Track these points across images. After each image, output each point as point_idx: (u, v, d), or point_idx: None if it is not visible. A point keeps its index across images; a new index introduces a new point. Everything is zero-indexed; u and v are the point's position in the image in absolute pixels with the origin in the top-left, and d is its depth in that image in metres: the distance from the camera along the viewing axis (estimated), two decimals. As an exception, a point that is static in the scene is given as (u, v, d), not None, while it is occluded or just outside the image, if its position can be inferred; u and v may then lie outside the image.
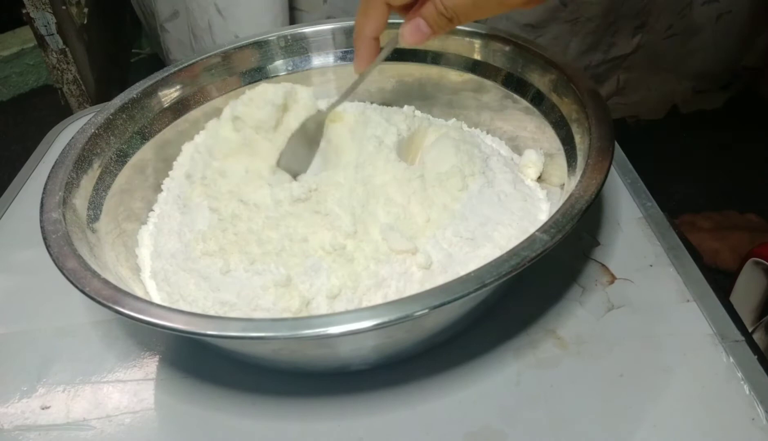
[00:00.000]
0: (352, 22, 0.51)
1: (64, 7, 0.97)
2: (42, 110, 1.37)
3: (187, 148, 0.47)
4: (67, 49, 0.98)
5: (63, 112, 0.95)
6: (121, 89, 0.47)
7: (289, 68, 0.52)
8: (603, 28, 1.08)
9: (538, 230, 0.31)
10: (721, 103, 1.21)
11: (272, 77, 0.51)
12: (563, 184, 0.41)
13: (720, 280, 0.42)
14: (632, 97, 1.24)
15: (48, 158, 0.58)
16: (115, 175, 0.43)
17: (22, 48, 1.43)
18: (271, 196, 0.37)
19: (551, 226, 0.31)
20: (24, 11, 0.93)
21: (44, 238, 0.34)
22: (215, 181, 0.39)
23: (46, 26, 0.95)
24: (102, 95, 1.01)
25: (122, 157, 0.44)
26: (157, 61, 1.36)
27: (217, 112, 0.49)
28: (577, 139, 0.39)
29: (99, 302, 0.31)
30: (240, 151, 0.40)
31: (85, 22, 1.02)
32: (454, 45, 0.49)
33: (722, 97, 1.22)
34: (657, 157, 1.09)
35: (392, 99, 0.51)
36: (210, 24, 0.86)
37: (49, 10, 0.93)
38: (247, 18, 0.84)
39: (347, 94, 0.42)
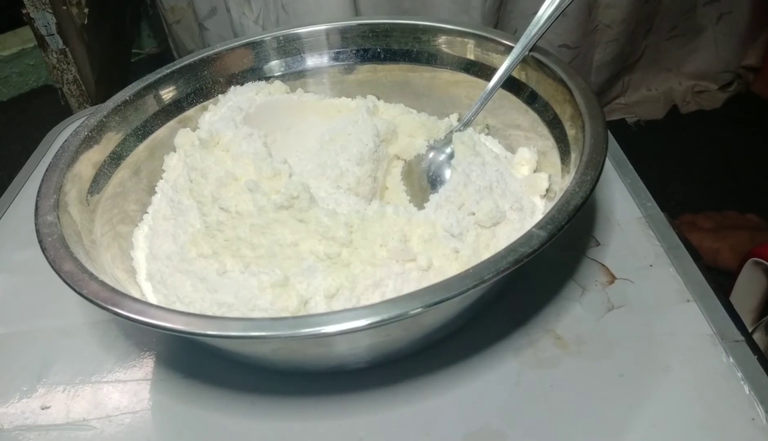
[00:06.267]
0: (345, 23, 0.51)
1: (64, 7, 0.97)
2: (42, 110, 1.37)
3: (180, 146, 0.47)
4: (67, 49, 0.98)
5: (63, 112, 0.95)
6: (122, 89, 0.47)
7: (283, 69, 0.52)
8: (625, 37, 1.09)
9: (534, 227, 0.31)
10: (721, 103, 1.21)
11: (267, 78, 0.51)
12: (547, 190, 0.41)
13: (720, 280, 0.42)
14: (632, 97, 1.24)
15: (48, 158, 0.58)
16: (109, 178, 0.43)
17: (22, 48, 1.43)
18: (253, 202, 0.37)
19: (548, 222, 0.31)
20: (24, 11, 0.93)
21: (40, 242, 0.34)
22: (198, 182, 0.39)
23: (46, 26, 0.95)
24: (102, 95, 1.01)
25: (116, 159, 0.44)
26: (157, 61, 1.37)
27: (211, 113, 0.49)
28: (571, 136, 0.39)
29: (98, 305, 0.31)
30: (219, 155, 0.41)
31: (86, 22, 1.02)
32: (447, 45, 0.49)
33: (722, 97, 1.22)
34: (657, 157, 1.10)
35: (385, 98, 0.51)
36: (278, 19, 0.89)
37: (50, 10, 0.93)
38: (307, 13, 0.87)
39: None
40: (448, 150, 0.46)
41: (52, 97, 1.04)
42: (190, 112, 0.49)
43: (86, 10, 1.03)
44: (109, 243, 0.40)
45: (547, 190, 0.41)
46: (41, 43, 0.97)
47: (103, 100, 0.46)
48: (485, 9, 0.96)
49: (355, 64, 0.52)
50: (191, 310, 0.36)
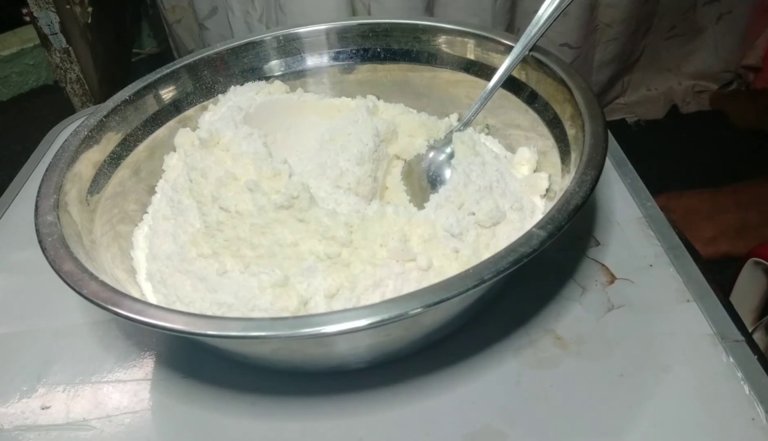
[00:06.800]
0: (345, 23, 0.51)
1: (68, 6, 0.97)
2: (42, 110, 1.37)
3: (180, 146, 0.47)
4: (70, 48, 0.98)
5: (63, 112, 0.95)
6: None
7: (283, 69, 0.52)
8: (625, 36, 1.09)
9: (534, 226, 0.31)
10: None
11: (267, 78, 0.51)
12: (547, 190, 0.41)
13: (720, 280, 0.42)
14: (632, 97, 1.24)
15: (48, 158, 0.58)
16: (109, 177, 0.43)
17: (22, 48, 1.43)
18: (253, 202, 0.37)
19: (548, 221, 0.31)
20: (26, 11, 0.93)
21: (40, 242, 0.34)
22: (198, 182, 0.39)
23: (49, 25, 0.95)
24: (105, 94, 1.02)
25: (116, 159, 0.44)
26: (157, 61, 1.37)
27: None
28: (571, 136, 0.39)
29: (98, 305, 0.31)
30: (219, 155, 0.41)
31: (89, 21, 1.02)
32: (447, 44, 0.49)
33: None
34: (657, 157, 1.10)
35: (385, 97, 0.51)
36: (277, 20, 0.89)
37: (53, 9, 0.93)
38: (302, 13, 0.87)
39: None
40: (448, 150, 0.46)
41: (52, 97, 1.05)
42: (190, 112, 0.49)
43: (89, 9, 1.03)
44: (109, 243, 0.40)
45: (547, 190, 0.41)
46: (44, 42, 0.97)
47: (107, 99, 0.46)
48: (495, 9, 0.96)
49: (355, 64, 0.52)
50: (191, 310, 0.36)
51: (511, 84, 0.45)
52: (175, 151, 0.48)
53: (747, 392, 0.32)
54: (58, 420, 0.36)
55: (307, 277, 0.35)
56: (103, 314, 0.41)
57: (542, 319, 0.38)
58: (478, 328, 0.37)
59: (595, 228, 0.43)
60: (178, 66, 0.49)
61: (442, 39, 0.49)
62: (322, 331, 0.28)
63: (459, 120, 0.49)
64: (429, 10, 0.98)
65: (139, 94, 0.47)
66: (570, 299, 0.39)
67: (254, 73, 0.51)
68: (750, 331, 0.38)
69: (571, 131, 0.39)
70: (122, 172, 0.44)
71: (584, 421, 0.32)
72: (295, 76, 0.52)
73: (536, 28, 0.42)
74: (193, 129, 0.48)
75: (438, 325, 0.35)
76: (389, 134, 0.47)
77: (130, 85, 0.47)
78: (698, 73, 1.23)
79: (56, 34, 0.95)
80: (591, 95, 0.39)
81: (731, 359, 0.34)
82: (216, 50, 0.51)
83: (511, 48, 0.44)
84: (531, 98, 0.44)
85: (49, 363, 0.40)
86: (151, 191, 0.46)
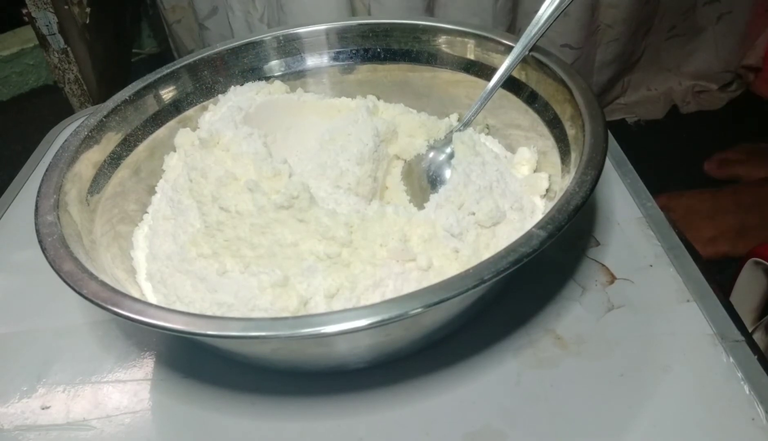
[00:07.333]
0: (345, 23, 0.51)
1: (66, 7, 0.97)
2: (42, 110, 1.37)
3: (180, 146, 0.47)
4: (68, 49, 0.98)
5: (63, 112, 0.95)
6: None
7: (283, 69, 0.52)
8: (626, 37, 1.09)
9: (534, 226, 0.31)
10: (721, 104, 1.21)
11: (267, 78, 0.51)
12: (547, 190, 0.41)
13: (720, 280, 0.42)
14: (632, 97, 1.24)
15: (48, 158, 0.58)
16: (109, 177, 0.43)
17: (22, 48, 1.43)
18: (253, 202, 0.37)
19: (548, 221, 0.31)
20: (25, 11, 0.93)
21: (40, 242, 0.34)
22: (198, 182, 0.39)
23: (47, 26, 0.95)
24: (104, 95, 1.02)
25: (116, 159, 0.44)
26: (157, 61, 1.37)
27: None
28: (571, 136, 0.39)
29: (98, 305, 0.31)
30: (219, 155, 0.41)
31: (87, 21, 1.02)
32: (447, 45, 0.49)
33: (722, 97, 1.22)
34: (657, 157, 1.10)
35: (385, 98, 0.52)
36: (279, 20, 0.89)
37: (51, 9, 0.93)
38: (302, 13, 0.87)
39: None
40: (448, 150, 0.46)
41: (52, 97, 1.05)
42: (190, 112, 0.49)
43: (88, 10, 1.03)
44: (109, 243, 0.40)
45: (547, 190, 0.41)
46: (43, 42, 0.97)
47: (105, 100, 0.46)
48: (496, 10, 0.96)
49: (355, 64, 0.52)
50: (191, 310, 0.36)
51: (511, 84, 0.45)
52: (175, 151, 0.48)
53: (747, 392, 0.32)
54: (58, 420, 0.36)
55: (307, 277, 0.35)
56: (103, 314, 0.41)
57: (542, 319, 0.38)
58: (478, 328, 0.37)
59: (595, 228, 0.43)
60: (178, 66, 0.49)
61: (442, 39, 0.49)
62: (322, 331, 0.28)
63: (459, 120, 0.49)
64: (429, 10, 0.98)
65: (139, 94, 0.47)
66: (570, 299, 0.39)
67: (254, 73, 0.51)
68: (750, 331, 0.38)
69: (571, 131, 0.39)
70: (122, 172, 0.44)
71: (584, 421, 0.32)
72: (295, 76, 0.52)
73: (536, 29, 0.42)
74: (193, 129, 0.48)
75: (438, 325, 0.35)
76: (389, 134, 0.47)
77: (130, 85, 0.47)
78: (698, 73, 1.22)
79: (54, 34, 0.95)
80: (591, 95, 0.39)
81: (731, 359, 0.34)
82: (216, 50, 0.51)
83: (511, 48, 0.44)
84: (531, 98, 0.44)
85: (49, 363, 0.40)
86: (151, 191, 0.46)
